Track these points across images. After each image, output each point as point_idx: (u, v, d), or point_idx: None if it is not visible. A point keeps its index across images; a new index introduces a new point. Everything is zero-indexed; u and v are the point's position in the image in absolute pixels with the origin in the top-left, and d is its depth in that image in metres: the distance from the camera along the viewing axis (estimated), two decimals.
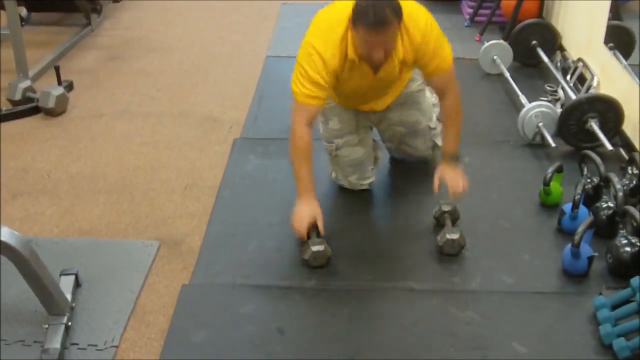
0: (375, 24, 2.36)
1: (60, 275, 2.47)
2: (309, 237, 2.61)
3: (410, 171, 3.23)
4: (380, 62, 2.54)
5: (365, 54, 2.51)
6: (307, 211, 2.60)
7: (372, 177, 3.06)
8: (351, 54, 2.54)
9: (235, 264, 2.63)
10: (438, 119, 3.09)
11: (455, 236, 2.63)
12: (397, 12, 2.41)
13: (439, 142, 3.08)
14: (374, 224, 2.91)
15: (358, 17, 2.40)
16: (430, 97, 3.10)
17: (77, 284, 2.50)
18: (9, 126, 3.70)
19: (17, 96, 3.84)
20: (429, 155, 3.19)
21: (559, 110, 3.41)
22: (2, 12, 4.31)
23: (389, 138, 3.12)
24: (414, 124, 3.02)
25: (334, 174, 3.07)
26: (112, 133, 3.64)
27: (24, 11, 5.11)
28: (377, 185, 3.09)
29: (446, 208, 2.78)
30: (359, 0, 2.41)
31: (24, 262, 2.15)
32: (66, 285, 2.43)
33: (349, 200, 3.02)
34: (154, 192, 3.13)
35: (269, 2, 5.66)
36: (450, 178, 2.78)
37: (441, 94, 2.79)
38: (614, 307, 2.31)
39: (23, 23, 4.88)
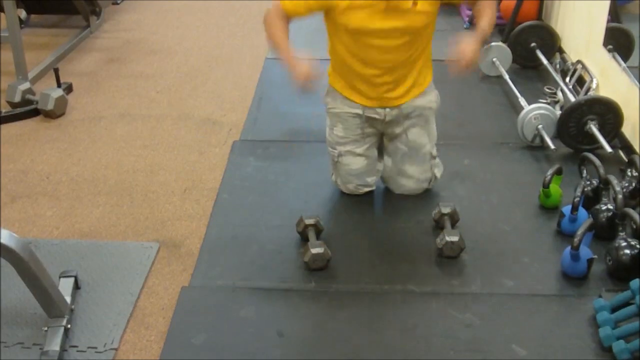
0: None
1: (60, 277, 2.47)
2: (307, 239, 2.62)
3: None
4: None
5: None
6: (301, 61, 2.63)
7: (372, 186, 3.05)
8: None
9: (235, 267, 2.63)
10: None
11: (454, 238, 2.62)
12: None
13: (438, 174, 3.05)
14: (374, 226, 2.90)
15: None
16: (434, 123, 3.03)
17: (77, 286, 2.49)
18: (8, 128, 3.70)
19: (17, 98, 3.84)
20: (426, 188, 3.07)
21: (558, 112, 3.41)
22: (2, 14, 4.32)
23: (390, 153, 3.02)
24: (418, 146, 2.95)
25: (333, 177, 3.07)
26: (111, 135, 3.64)
27: (23, 13, 5.13)
28: (376, 187, 3.09)
29: (445, 210, 2.77)
30: None
31: (23, 264, 2.15)
32: (65, 287, 2.43)
33: (348, 203, 3.02)
34: (154, 194, 3.12)
35: (267, 3, 5.61)
36: (465, 46, 2.68)
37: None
38: (614, 310, 2.31)
39: (22, 25, 4.90)
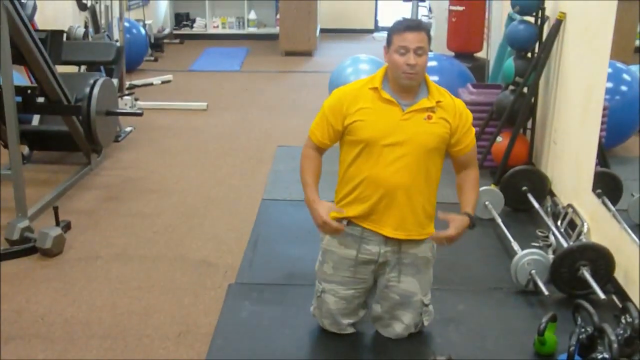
0: (407, 27, 2.71)
1: None
2: None
3: None
4: (412, 77, 2.72)
5: (399, 66, 2.71)
6: (322, 209, 2.79)
7: (346, 330, 3.04)
8: (376, 82, 2.80)
9: None
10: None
11: None
12: (426, 26, 2.77)
13: (426, 322, 3.05)
14: None
15: (392, 29, 2.76)
16: (431, 275, 3.05)
17: None
18: (4, 266, 3.71)
19: (15, 236, 3.87)
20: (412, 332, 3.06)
21: (551, 257, 3.46)
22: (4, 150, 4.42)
23: (379, 300, 3.01)
24: (409, 295, 2.95)
25: (312, 309, 3.08)
26: (107, 276, 3.65)
27: (25, 149, 5.25)
28: (367, 331, 3.08)
29: (441, 359, 2.76)
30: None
31: None
32: None
33: (341, 349, 2.99)
34: (148, 338, 3.10)
35: (264, 144, 5.81)
36: (453, 225, 2.78)
37: (464, 169, 2.96)
38: None
39: (24, 161, 5.00)
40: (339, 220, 2.86)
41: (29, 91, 4.46)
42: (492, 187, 4.40)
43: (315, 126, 2.92)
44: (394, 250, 2.90)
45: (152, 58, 9.09)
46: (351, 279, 2.95)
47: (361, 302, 3.03)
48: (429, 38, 2.74)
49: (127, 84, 6.57)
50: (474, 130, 2.92)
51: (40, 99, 4.55)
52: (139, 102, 6.44)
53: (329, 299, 2.98)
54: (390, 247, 2.88)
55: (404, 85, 2.76)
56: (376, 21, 12.05)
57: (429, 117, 2.77)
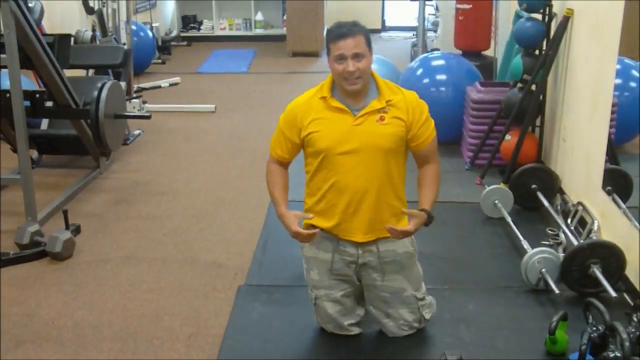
0: (339, 35, 2.70)
1: None
2: None
3: None
4: (354, 82, 2.72)
5: (339, 74, 2.72)
6: (290, 221, 2.86)
7: (351, 330, 3.04)
8: (325, 92, 2.80)
9: None
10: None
11: None
12: (362, 27, 2.75)
13: (428, 315, 3.03)
14: None
15: (327, 37, 2.76)
16: (420, 268, 3.05)
17: None
18: (15, 270, 3.73)
19: (25, 240, 3.89)
20: (417, 328, 3.05)
21: (561, 255, 3.44)
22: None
23: (371, 301, 3.01)
24: (398, 291, 2.95)
25: (314, 315, 3.09)
26: (117, 279, 3.66)
27: (35, 154, 5.27)
28: (378, 330, 3.08)
29: (452, 358, 2.75)
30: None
31: None
32: None
33: (351, 349, 2.99)
34: (158, 340, 3.11)
35: None
36: (413, 221, 2.79)
37: (424, 163, 2.93)
38: None
39: (34, 165, 5.01)
40: (313, 226, 2.91)
41: (37, 95, 4.49)
42: (502, 185, 4.38)
43: (274, 142, 2.97)
44: (372, 252, 2.90)
45: (160, 61, 9.12)
46: (336, 281, 2.96)
47: (354, 301, 3.03)
48: (367, 37, 2.74)
49: (135, 87, 6.58)
50: (432, 122, 2.89)
51: (49, 103, 4.57)
52: (147, 105, 6.46)
53: (324, 304, 2.98)
54: (367, 248, 2.90)
55: (350, 91, 2.76)
56: (383, 21, 12.04)
57: (382, 119, 2.77)
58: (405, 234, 2.80)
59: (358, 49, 2.69)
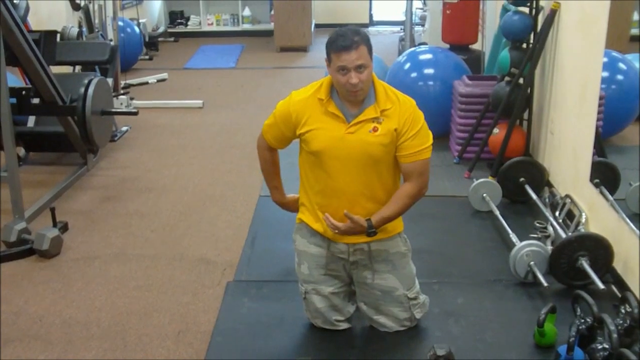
0: (342, 47, 2.62)
1: None
2: None
3: None
4: (356, 93, 2.68)
5: (342, 85, 2.67)
6: (291, 204, 3.13)
7: (339, 326, 3.03)
8: (322, 94, 2.76)
9: None
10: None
11: None
12: (363, 36, 2.66)
13: (418, 314, 3.03)
14: None
15: (329, 45, 2.67)
16: (413, 267, 3.04)
17: None
18: (2, 268, 3.70)
19: (12, 238, 3.87)
20: (408, 325, 3.05)
21: (550, 248, 3.45)
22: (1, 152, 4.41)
23: (362, 297, 3.01)
24: (389, 290, 2.95)
25: (304, 310, 3.08)
26: (105, 276, 3.64)
27: (22, 151, 5.24)
28: (367, 326, 3.07)
29: (441, 352, 2.74)
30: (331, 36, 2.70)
31: None
32: None
33: (341, 344, 2.99)
34: (147, 337, 3.10)
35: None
36: (350, 222, 2.75)
37: (406, 178, 2.84)
38: None
39: (21, 163, 4.99)
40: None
41: (23, 92, 4.45)
42: (490, 179, 4.39)
43: (268, 127, 2.96)
44: (362, 250, 2.90)
45: (147, 57, 9.06)
46: (326, 277, 2.96)
47: (344, 298, 3.03)
48: (369, 46, 2.68)
49: (122, 83, 6.55)
50: (426, 139, 2.79)
51: (35, 100, 4.54)
52: (134, 102, 6.44)
53: (314, 298, 2.98)
54: (358, 247, 2.89)
55: (351, 99, 2.74)
56: (371, 15, 12.03)
57: (375, 129, 2.73)
58: (337, 229, 2.77)
59: (361, 61, 2.63)
